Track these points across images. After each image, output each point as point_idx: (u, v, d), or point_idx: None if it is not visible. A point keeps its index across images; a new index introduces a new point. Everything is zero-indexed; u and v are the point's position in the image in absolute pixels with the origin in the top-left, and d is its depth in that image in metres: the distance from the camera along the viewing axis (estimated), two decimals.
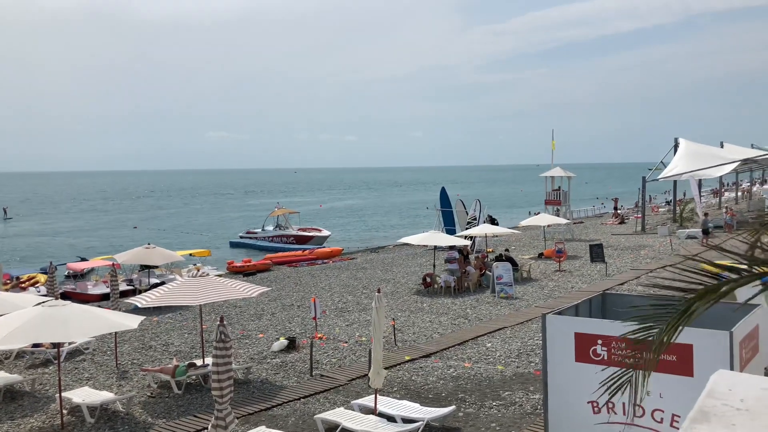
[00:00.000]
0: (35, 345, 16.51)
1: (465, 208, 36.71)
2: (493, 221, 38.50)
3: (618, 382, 5.38)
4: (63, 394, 12.41)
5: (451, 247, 27.62)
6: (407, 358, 15.45)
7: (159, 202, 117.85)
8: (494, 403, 12.31)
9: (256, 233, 48.11)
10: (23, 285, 26.53)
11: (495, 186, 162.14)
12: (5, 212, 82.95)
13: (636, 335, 5.20)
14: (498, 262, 24.35)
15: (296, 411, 12.32)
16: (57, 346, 16.07)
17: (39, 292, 23.66)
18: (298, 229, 46.93)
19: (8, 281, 25.38)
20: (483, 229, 29.40)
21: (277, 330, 18.88)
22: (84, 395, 12.54)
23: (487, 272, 24.57)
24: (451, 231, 33.69)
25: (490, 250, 32.61)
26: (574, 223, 44.68)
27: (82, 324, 11.36)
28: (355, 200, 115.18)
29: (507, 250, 29.68)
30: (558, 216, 38.76)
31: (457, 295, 23.17)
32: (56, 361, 15.72)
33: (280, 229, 47.15)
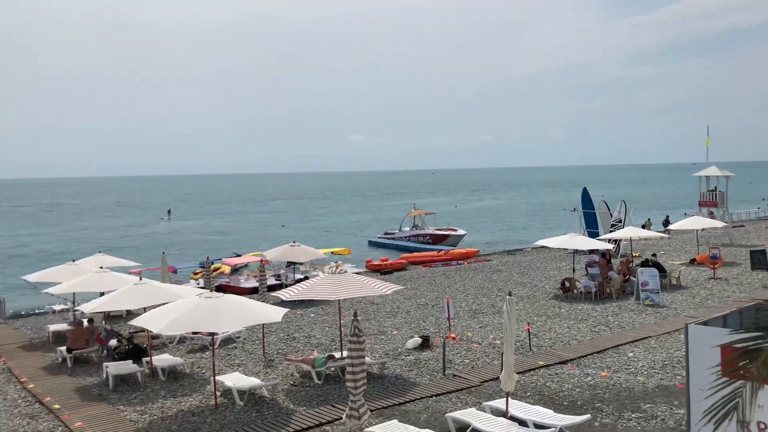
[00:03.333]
0: (194, 332, 18.19)
1: (609, 210, 35.09)
2: (644, 226, 36.48)
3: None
4: (217, 377, 13.58)
5: (593, 251, 26.56)
6: (541, 363, 15.15)
7: (304, 203, 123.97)
8: (633, 415, 11.76)
9: (393, 234, 49.20)
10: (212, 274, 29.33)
11: (643, 186, 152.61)
12: (169, 213, 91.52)
13: None
14: (644, 267, 23.06)
15: (428, 408, 12.56)
16: (212, 334, 17.58)
17: (198, 284, 25.91)
18: (435, 230, 47.34)
19: (173, 272, 28.25)
20: (628, 232, 27.94)
21: (411, 328, 19.27)
22: (235, 380, 13.63)
23: (632, 278, 23.35)
24: (593, 234, 32.38)
25: (637, 254, 30.90)
26: (734, 227, 41.09)
27: (232, 315, 12.37)
28: (491, 201, 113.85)
29: (654, 255, 27.96)
30: (713, 219, 35.84)
31: (598, 301, 22.25)
32: (212, 348, 17.19)
33: (416, 228, 47.87)
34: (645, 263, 24.70)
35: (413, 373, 14.86)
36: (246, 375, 14.50)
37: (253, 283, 28.37)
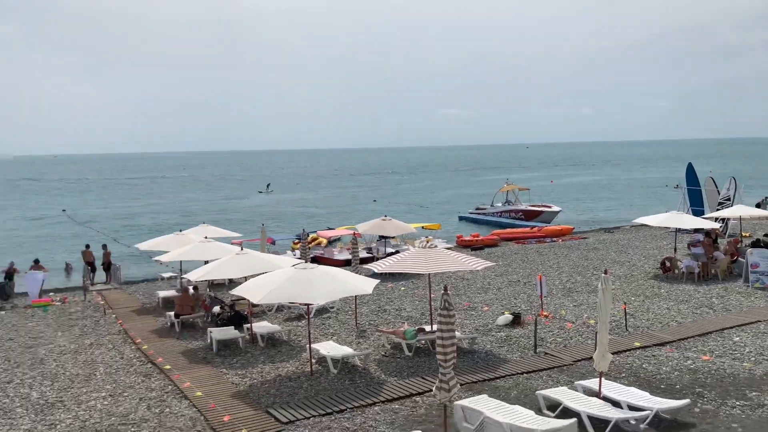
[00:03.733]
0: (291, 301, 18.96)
1: (716, 187, 33.09)
2: (758, 205, 34.16)
3: None
4: (312, 345, 14.14)
5: (697, 230, 25.24)
6: (637, 344, 14.69)
7: (394, 178, 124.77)
8: (738, 403, 11.21)
9: (485, 209, 48.71)
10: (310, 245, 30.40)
11: (755, 162, 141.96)
12: (268, 187, 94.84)
13: None
14: (754, 248, 21.67)
15: (518, 385, 12.52)
16: (307, 303, 18.23)
17: (295, 255, 26.85)
18: (528, 206, 46.44)
19: (272, 242, 29.54)
20: (737, 211, 26.27)
21: (502, 304, 19.16)
22: (329, 348, 14.14)
23: (740, 259, 22.02)
24: (698, 212, 30.70)
25: (747, 234, 29.06)
26: None
27: (325, 287, 12.79)
28: (589, 176, 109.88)
29: (766, 235, 26.19)
30: None
31: (701, 282, 21.18)
32: (307, 317, 17.86)
33: (509, 204, 47.14)
34: (756, 244, 23.21)
35: (503, 350, 14.82)
36: (339, 344, 14.98)
37: (346, 256, 29.06)
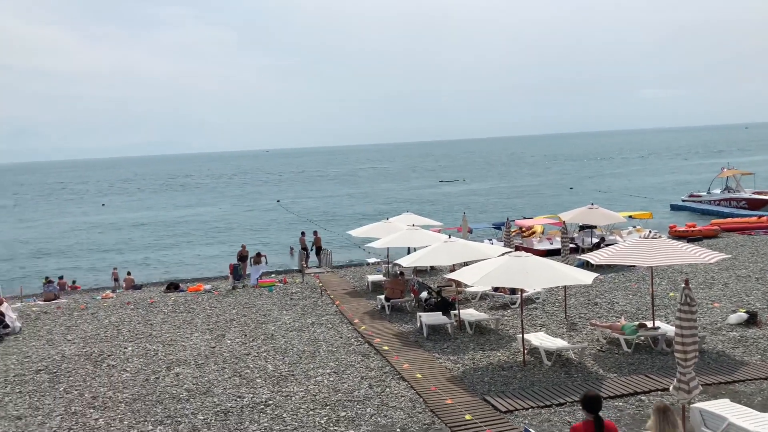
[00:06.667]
0: (495, 289, 18.87)
1: None
2: None
3: None
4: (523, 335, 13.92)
5: None
6: None
7: (591, 165, 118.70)
8: None
9: (700, 196, 44.41)
10: (525, 235, 30.29)
11: None
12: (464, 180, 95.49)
13: None
14: None
15: (763, 391, 11.18)
16: (513, 291, 18.03)
17: (492, 243, 26.68)
18: (752, 193, 41.47)
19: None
20: None
21: (731, 302, 17.29)
22: (542, 339, 13.81)
23: None
24: None
25: None
26: None
27: (541, 274, 12.49)
28: None
29: None
30: None
31: None
32: (512, 306, 17.64)
33: (729, 191, 42.50)
34: None
35: (739, 351, 13.35)
36: (550, 336, 14.58)
37: (546, 245, 28.26)
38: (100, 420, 11.49)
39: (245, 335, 16.94)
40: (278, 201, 74.54)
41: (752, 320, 15.13)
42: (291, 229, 46.81)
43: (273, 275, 26.77)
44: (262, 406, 11.73)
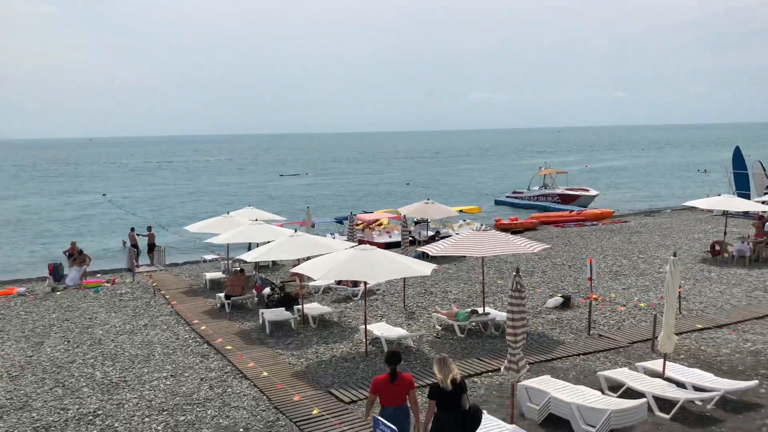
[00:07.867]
0: (338, 282, 19.09)
1: (765, 171, 32.34)
2: None
3: None
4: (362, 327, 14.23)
5: (745, 213, 24.70)
6: (699, 326, 14.51)
7: (426, 162, 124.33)
8: None
9: (522, 193, 48.35)
10: (371, 228, 30.50)
11: None
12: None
13: None
14: None
15: (576, 366, 12.47)
16: (356, 284, 18.32)
17: (334, 237, 26.96)
18: (565, 189, 45.95)
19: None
20: None
21: (549, 287, 19.05)
22: (383, 330, 14.22)
23: None
24: (744, 196, 30.07)
25: None
26: None
27: (385, 267, 12.85)
28: (626, 161, 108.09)
29: None
30: None
31: (754, 266, 20.79)
32: (354, 298, 17.96)
33: (546, 188, 46.70)
34: None
35: (556, 332, 14.76)
36: (390, 325, 15.05)
37: (385, 238, 29.11)
38: None
39: (68, 341, 15.54)
40: (104, 195, 69.28)
41: (566, 303, 16.81)
42: (118, 225, 43.74)
43: (99, 275, 24.81)
44: (91, 417, 10.85)
